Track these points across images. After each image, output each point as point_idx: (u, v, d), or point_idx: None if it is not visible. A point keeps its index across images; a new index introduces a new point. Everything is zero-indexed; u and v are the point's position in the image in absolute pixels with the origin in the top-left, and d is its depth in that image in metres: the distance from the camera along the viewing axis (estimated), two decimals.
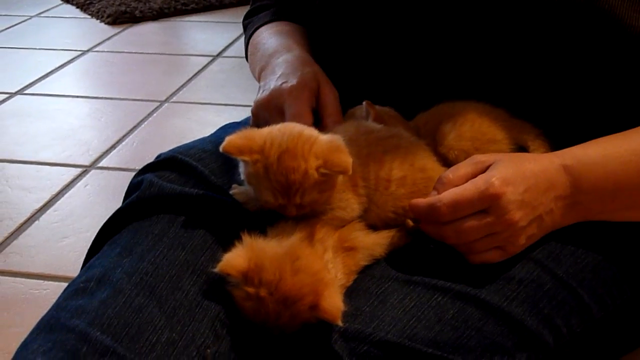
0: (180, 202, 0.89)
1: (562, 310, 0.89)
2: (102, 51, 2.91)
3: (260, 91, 1.00)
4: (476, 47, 0.98)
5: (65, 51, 2.89)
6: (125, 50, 2.90)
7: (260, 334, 0.82)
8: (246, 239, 0.83)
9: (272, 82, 0.98)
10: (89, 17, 3.41)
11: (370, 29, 1.05)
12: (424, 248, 0.90)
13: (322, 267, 0.83)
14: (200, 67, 2.69)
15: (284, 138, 0.84)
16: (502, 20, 0.95)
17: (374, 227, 0.91)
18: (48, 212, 1.72)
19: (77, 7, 3.58)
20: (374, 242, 0.90)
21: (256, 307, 0.80)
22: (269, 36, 1.18)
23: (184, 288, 0.82)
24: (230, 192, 0.91)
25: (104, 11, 3.38)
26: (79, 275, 0.85)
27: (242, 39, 1.21)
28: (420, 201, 0.86)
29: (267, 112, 0.95)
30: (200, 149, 0.98)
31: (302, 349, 0.81)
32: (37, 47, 2.96)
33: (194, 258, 0.85)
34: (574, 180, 0.87)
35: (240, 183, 0.91)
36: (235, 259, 0.81)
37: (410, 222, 0.91)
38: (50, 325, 0.78)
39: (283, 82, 0.97)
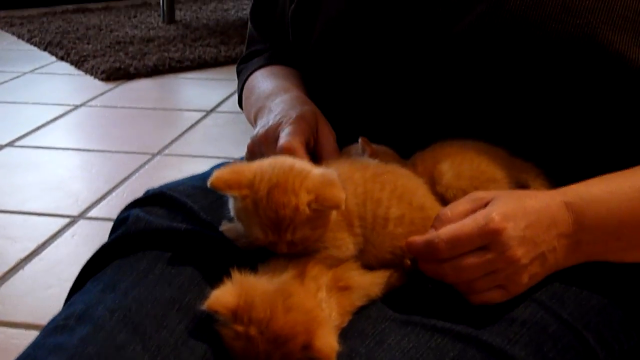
0: (168, 237, 0.85)
1: (567, 354, 0.85)
2: (94, 106, 2.90)
3: (257, 128, 0.97)
4: (473, 85, 0.96)
5: (58, 105, 2.88)
6: (119, 105, 2.90)
7: None
8: (236, 275, 0.79)
9: (270, 119, 0.96)
10: (84, 73, 3.42)
11: (365, 71, 1.03)
12: (422, 288, 0.86)
13: (315, 305, 0.79)
14: (193, 122, 2.68)
15: (274, 172, 0.81)
16: (499, 59, 0.93)
17: (370, 267, 0.88)
18: (33, 261, 1.68)
19: (72, 64, 3.59)
20: (370, 282, 0.86)
21: (246, 346, 0.76)
22: (263, 79, 1.17)
23: (170, 326, 0.77)
24: (220, 228, 0.88)
25: (98, 68, 3.39)
26: (59, 313, 0.81)
27: (236, 96, 1.19)
28: (418, 238, 0.83)
29: (263, 146, 0.92)
30: (190, 185, 0.95)
31: None
32: (29, 102, 2.95)
33: (181, 295, 0.80)
34: (577, 218, 0.84)
35: (230, 219, 0.88)
36: (224, 296, 0.77)
37: (408, 262, 0.87)
38: None
39: (282, 117, 0.94)
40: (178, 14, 4.58)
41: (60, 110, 2.83)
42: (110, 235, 0.91)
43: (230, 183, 0.81)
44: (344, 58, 1.04)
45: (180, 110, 2.87)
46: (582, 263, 0.88)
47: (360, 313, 0.84)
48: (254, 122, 1.07)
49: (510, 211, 0.82)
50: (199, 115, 2.74)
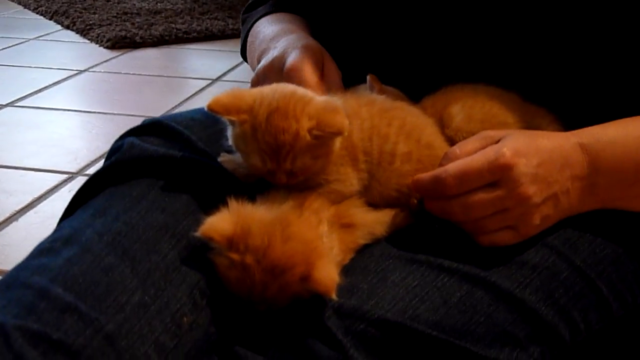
0: (163, 164, 0.81)
1: (579, 303, 0.80)
2: (98, 71, 2.86)
3: (261, 62, 0.92)
4: (485, 28, 0.91)
5: (61, 70, 2.84)
6: (123, 72, 2.85)
7: (245, 309, 0.74)
8: (232, 203, 0.75)
9: (275, 52, 0.91)
10: (89, 41, 3.37)
11: (376, 14, 0.98)
12: (428, 229, 0.81)
13: (315, 236, 0.75)
14: (198, 89, 2.63)
15: (275, 97, 0.77)
16: (511, 1, 0.89)
17: (375, 206, 0.83)
18: (28, 214, 1.64)
19: (77, 33, 3.55)
20: (375, 220, 0.82)
21: (241, 276, 0.72)
22: (268, 24, 1.12)
23: (161, 252, 0.73)
24: (218, 159, 0.83)
25: (104, 36, 3.35)
26: (46, 238, 0.76)
27: (243, 66, 1.13)
28: (424, 175, 0.79)
29: (267, 78, 0.87)
30: (188, 117, 0.90)
31: (290, 326, 0.72)
32: (32, 66, 2.91)
33: (174, 222, 0.76)
34: (592, 160, 0.80)
35: (229, 151, 0.84)
36: (219, 222, 0.73)
37: (414, 201, 0.83)
38: (8, 284, 0.69)
39: (287, 47, 0.89)
40: None
41: (64, 74, 2.79)
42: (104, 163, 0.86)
43: (228, 107, 0.77)
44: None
45: (185, 78, 2.83)
46: (596, 211, 0.83)
47: (363, 251, 0.80)
48: (256, 64, 1.03)
49: (523, 147, 0.77)
50: (204, 83, 2.70)
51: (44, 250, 0.73)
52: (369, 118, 0.83)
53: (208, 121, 0.90)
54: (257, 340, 0.72)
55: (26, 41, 3.33)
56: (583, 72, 0.89)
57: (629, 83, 0.88)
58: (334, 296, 0.71)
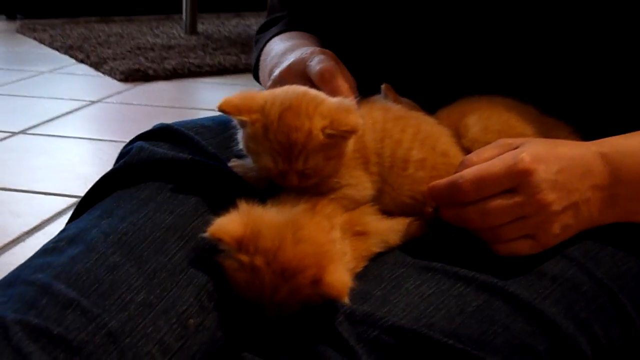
0: (172, 168, 0.79)
1: (601, 317, 0.77)
2: (111, 102, 2.86)
3: (278, 69, 0.90)
4: (500, 41, 0.90)
5: (74, 101, 2.85)
6: (135, 103, 2.86)
7: (253, 315, 0.71)
8: (242, 205, 0.73)
9: (290, 58, 0.89)
10: (102, 74, 3.39)
11: (388, 27, 0.97)
12: (444, 239, 0.79)
13: (328, 240, 0.73)
14: None
15: (287, 96, 0.76)
16: (528, 12, 0.87)
17: (388, 214, 0.81)
18: (36, 235, 1.63)
19: (91, 66, 3.57)
20: (389, 228, 0.79)
21: (250, 279, 0.69)
22: (280, 42, 1.11)
23: (169, 252, 0.71)
24: (229, 164, 0.81)
25: (117, 69, 3.37)
26: (52, 239, 0.74)
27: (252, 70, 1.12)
28: (440, 181, 0.77)
29: (287, 83, 0.85)
30: (199, 124, 0.89)
31: (300, 332, 0.69)
32: (46, 96, 2.93)
33: (183, 223, 0.74)
34: (613, 170, 0.78)
35: (239, 157, 0.82)
36: (228, 224, 0.71)
37: (429, 209, 0.81)
38: (10, 282, 0.67)
39: (304, 53, 0.87)
40: (200, 27, 4.57)
41: (76, 105, 2.80)
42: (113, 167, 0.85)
43: (240, 107, 0.75)
44: (368, 12, 0.98)
45: (197, 109, 2.83)
46: (616, 224, 0.81)
47: (376, 259, 0.78)
48: (268, 79, 1.01)
49: (542, 154, 0.75)
50: (215, 114, 2.69)
51: (48, 249, 0.71)
52: (382, 122, 0.81)
53: (218, 128, 0.88)
54: (266, 347, 0.69)
55: (40, 74, 3.35)
56: (601, 84, 0.87)
57: None
58: (346, 300, 0.68)
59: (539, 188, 0.73)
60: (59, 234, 0.75)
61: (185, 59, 3.60)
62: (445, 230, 0.80)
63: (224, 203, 0.74)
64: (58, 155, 2.21)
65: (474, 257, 0.76)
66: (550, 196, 0.74)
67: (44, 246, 0.73)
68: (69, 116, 2.66)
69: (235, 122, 0.78)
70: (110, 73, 3.38)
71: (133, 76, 3.29)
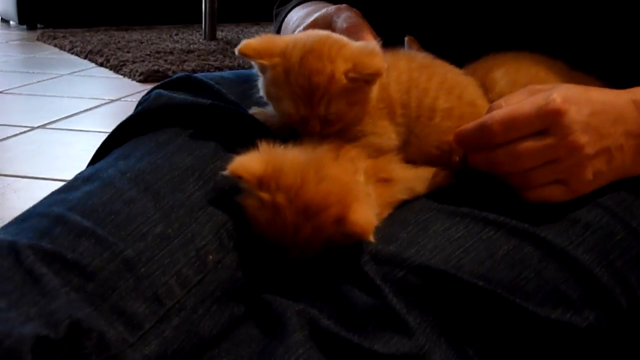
0: (191, 113, 0.76)
1: (637, 268, 0.74)
2: (130, 101, 2.86)
3: (302, 26, 0.88)
4: None
5: (93, 99, 2.84)
6: None
7: (275, 257, 0.68)
8: (263, 145, 0.70)
9: (317, 15, 0.87)
10: (121, 76, 3.39)
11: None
12: (472, 187, 0.76)
13: (352, 180, 0.70)
14: None
15: (309, 39, 0.73)
16: None
17: (414, 164, 0.78)
18: None
19: (110, 69, 3.58)
20: (414, 176, 0.77)
21: (271, 218, 0.67)
22: (302, 9, 1.09)
23: (187, 190, 0.69)
24: (250, 111, 0.79)
25: (137, 71, 3.37)
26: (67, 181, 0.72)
27: None
28: (469, 124, 0.74)
29: None
30: (219, 76, 0.87)
31: (323, 273, 0.66)
32: (65, 96, 2.93)
33: (202, 164, 0.72)
34: None
35: (260, 105, 0.80)
36: (249, 161, 0.68)
37: (456, 158, 0.78)
38: (24, 217, 0.65)
39: (329, 10, 0.85)
40: (219, 34, 4.58)
41: (95, 103, 2.80)
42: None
43: (260, 51, 0.73)
44: None
45: None
46: None
47: (402, 206, 0.75)
48: None
49: (573, 95, 0.72)
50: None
51: (63, 188, 0.69)
52: (407, 71, 0.79)
53: (239, 80, 0.86)
54: (288, 289, 0.67)
55: (60, 76, 3.37)
56: (630, 39, 0.84)
57: None
58: (371, 238, 0.66)
59: (570, 129, 0.70)
60: (75, 176, 0.73)
61: (205, 62, 3.60)
62: (473, 179, 0.77)
63: (245, 148, 0.72)
64: (76, 147, 2.20)
65: (503, 203, 0.73)
66: (582, 138, 0.71)
67: (59, 188, 0.71)
68: (88, 113, 2.65)
69: (255, 68, 0.76)
70: (130, 75, 3.38)
71: (152, 77, 3.29)
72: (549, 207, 0.73)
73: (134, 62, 3.56)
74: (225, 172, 0.67)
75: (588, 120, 0.71)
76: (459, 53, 0.84)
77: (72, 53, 4.08)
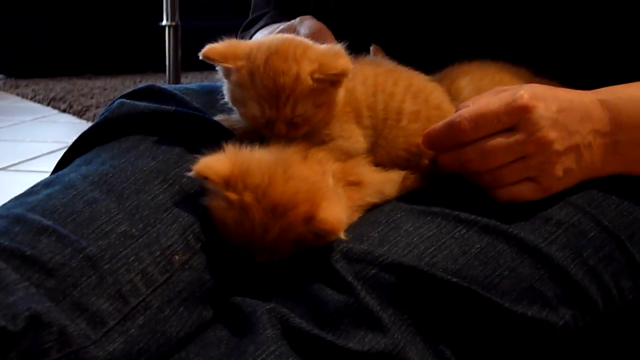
0: (155, 120, 0.74)
1: (610, 266, 0.73)
2: None
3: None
4: (491, 4, 0.88)
5: (56, 143, 2.81)
6: None
7: (243, 262, 0.66)
8: (229, 147, 0.69)
9: (282, 26, 0.87)
10: (85, 121, 3.36)
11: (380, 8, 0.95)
12: (442, 189, 0.75)
13: (320, 179, 0.68)
14: None
15: (273, 42, 0.73)
16: None
17: (383, 167, 0.77)
18: None
19: (74, 115, 3.55)
20: (384, 179, 0.76)
21: (239, 218, 0.65)
22: (266, 29, 1.09)
23: (151, 192, 0.66)
24: (215, 118, 0.78)
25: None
26: None
27: None
28: (437, 124, 0.73)
29: None
30: (184, 87, 0.85)
31: (293, 273, 0.64)
32: (28, 140, 2.89)
33: (166, 168, 0.70)
34: (613, 116, 0.75)
35: (225, 113, 0.79)
36: (215, 162, 0.67)
37: (425, 161, 0.77)
38: None
39: (293, 22, 0.85)
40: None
41: (59, 145, 2.76)
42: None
43: (225, 54, 0.72)
44: None
45: None
46: (620, 177, 0.77)
47: (372, 209, 0.73)
48: None
49: (541, 93, 0.72)
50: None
51: (23, 193, 0.67)
52: (373, 75, 0.78)
53: (203, 91, 0.85)
54: (257, 293, 0.64)
55: (22, 122, 3.33)
56: (593, 44, 0.85)
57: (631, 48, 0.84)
58: (342, 236, 0.64)
59: (539, 125, 0.70)
60: (35, 183, 0.71)
61: None
62: (442, 182, 0.76)
63: (211, 152, 0.70)
64: None
65: (474, 203, 0.72)
66: (551, 134, 0.70)
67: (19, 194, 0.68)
68: (51, 155, 2.61)
69: (219, 73, 0.75)
70: (94, 119, 3.34)
71: None
72: (520, 206, 0.72)
73: (97, 107, 3.54)
74: (191, 174, 0.65)
75: (556, 116, 0.71)
76: (424, 62, 0.84)
77: (35, 101, 4.04)
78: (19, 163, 2.41)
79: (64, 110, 3.65)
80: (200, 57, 0.72)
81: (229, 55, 0.72)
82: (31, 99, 4.10)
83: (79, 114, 3.50)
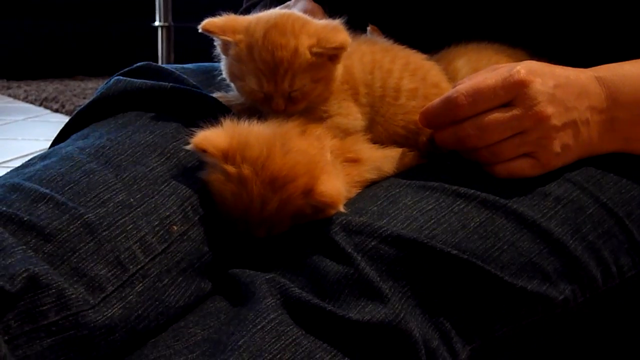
0: (152, 97, 0.74)
1: (609, 243, 0.73)
2: None
3: None
4: None
5: (49, 141, 2.78)
6: None
7: (241, 236, 0.66)
8: (227, 121, 0.68)
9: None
10: None
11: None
12: (440, 166, 0.75)
13: (319, 153, 0.68)
14: None
15: (272, 16, 0.73)
16: None
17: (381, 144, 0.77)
18: None
19: (66, 114, 3.53)
20: (382, 156, 0.76)
21: (237, 191, 0.64)
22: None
23: (149, 164, 0.66)
24: (212, 95, 0.77)
25: None
26: None
27: None
28: (434, 101, 0.73)
29: None
30: (181, 67, 0.85)
31: (292, 246, 0.64)
32: (20, 138, 2.88)
33: (164, 142, 0.69)
34: (610, 93, 0.75)
35: (222, 90, 0.78)
36: (213, 135, 0.66)
37: (423, 139, 0.77)
38: None
39: (288, 4, 0.85)
40: None
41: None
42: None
43: (223, 27, 0.72)
44: None
45: None
46: (618, 155, 0.77)
47: (370, 185, 0.73)
48: None
49: (537, 68, 0.72)
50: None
51: (20, 166, 0.66)
52: (370, 53, 0.78)
53: (200, 70, 0.84)
54: (256, 267, 0.64)
55: (15, 122, 3.31)
56: (589, 27, 0.85)
57: (636, 37, 0.84)
58: (341, 209, 0.64)
59: (536, 100, 0.70)
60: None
61: None
62: (440, 159, 0.76)
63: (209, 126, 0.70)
64: None
65: (472, 179, 0.72)
66: (548, 109, 0.70)
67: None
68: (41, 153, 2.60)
69: (218, 49, 0.74)
70: None
71: None
72: (518, 182, 0.72)
73: None
74: (189, 147, 0.64)
75: (553, 92, 0.71)
76: (421, 43, 0.83)
77: (27, 101, 4.03)
78: (10, 160, 2.40)
79: (56, 110, 3.64)
80: (200, 30, 0.71)
81: (228, 29, 0.72)
82: (23, 99, 4.08)
83: (71, 114, 3.49)
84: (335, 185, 0.65)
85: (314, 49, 0.70)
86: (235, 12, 0.83)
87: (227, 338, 0.56)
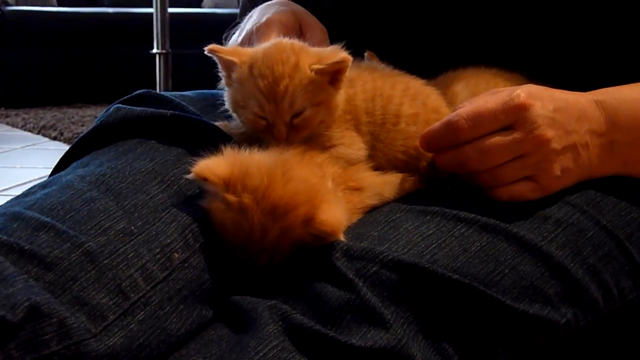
0: (152, 124, 0.74)
1: (610, 265, 0.73)
2: None
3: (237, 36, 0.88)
4: (486, 11, 0.89)
5: (47, 169, 2.80)
6: None
7: (242, 264, 0.66)
8: (227, 150, 0.69)
9: (247, 25, 0.87)
10: None
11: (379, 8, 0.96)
12: (440, 191, 0.75)
13: (320, 181, 0.68)
14: None
15: (273, 42, 0.74)
16: None
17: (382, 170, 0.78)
18: None
19: (64, 142, 3.54)
20: (383, 181, 0.76)
21: (238, 220, 0.65)
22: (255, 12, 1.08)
23: (150, 192, 0.66)
24: (214, 124, 0.78)
25: None
26: None
27: None
28: (434, 125, 0.74)
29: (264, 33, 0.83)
30: (178, 95, 0.85)
31: (294, 273, 0.64)
32: (18, 166, 2.88)
33: (164, 170, 0.69)
34: (609, 116, 0.75)
35: (224, 120, 0.79)
36: (214, 164, 0.66)
37: (424, 164, 0.78)
38: None
39: (255, 24, 0.85)
40: None
41: (49, 172, 2.74)
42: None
43: (229, 51, 0.73)
44: None
45: None
46: (617, 178, 0.78)
47: (371, 211, 0.73)
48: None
49: (537, 92, 0.73)
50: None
51: (20, 195, 0.66)
52: (371, 80, 0.79)
53: (199, 97, 0.85)
54: (257, 292, 0.64)
55: (13, 150, 3.31)
56: (589, 51, 0.86)
57: (634, 61, 0.84)
58: (341, 237, 0.64)
59: (536, 123, 0.70)
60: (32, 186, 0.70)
61: None
62: (441, 184, 0.76)
63: (209, 154, 0.70)
64: None
65: (472, 203, 0.72)
66: (549, 132, 0.71)
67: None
68: (41, 180, 2.60)
69: (222, 82, 0.75)
70: None
71: None
72: (518, 205, 0.72)
73: None
74: (190, 175, 0.65)
75: (553, 115, 0.72)
76: (419, 67, 0.84)
77: (25, 129, 4.04)
78: (9, 188, 2.40)
79: (54, 138, 3.65)
80: (206, 52, 0.72)
81: (233, 53, 0.73)
82: (21, 127, 4.09)
83: (70, 142, 3.50)
84: (336, 214, 0.65)
85: (315, 66, 0.71)
86: None
87: None
